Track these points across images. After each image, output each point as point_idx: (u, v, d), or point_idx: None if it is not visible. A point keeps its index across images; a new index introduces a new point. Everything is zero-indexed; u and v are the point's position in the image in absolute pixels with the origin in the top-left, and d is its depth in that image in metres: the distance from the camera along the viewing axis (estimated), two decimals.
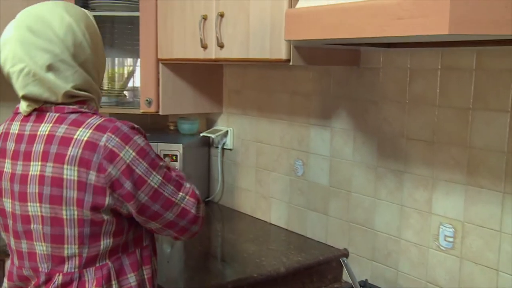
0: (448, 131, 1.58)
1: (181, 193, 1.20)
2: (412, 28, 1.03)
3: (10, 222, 1.19)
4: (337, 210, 1.96)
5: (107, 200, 1.11)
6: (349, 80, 1.87)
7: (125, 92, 2.53)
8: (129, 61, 2.55)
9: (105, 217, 1.13)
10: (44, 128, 1.14)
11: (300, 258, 1.86)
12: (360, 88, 1.84)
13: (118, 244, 1.18)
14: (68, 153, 1.10)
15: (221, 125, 2.50)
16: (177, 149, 2.22)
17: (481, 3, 0.96)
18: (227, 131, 2.44)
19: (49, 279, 1.17)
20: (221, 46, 1.84)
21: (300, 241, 2.05)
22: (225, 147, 2.47)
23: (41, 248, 1.16)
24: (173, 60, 2.15)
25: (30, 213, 1.14)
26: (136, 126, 1.16)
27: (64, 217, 1.12)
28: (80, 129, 1.11)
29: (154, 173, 1.14)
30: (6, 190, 1.18)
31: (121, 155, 1.10)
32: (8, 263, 1.22)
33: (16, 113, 1.21)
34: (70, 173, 1.10)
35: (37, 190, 1.12)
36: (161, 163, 1.17)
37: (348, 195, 1.91)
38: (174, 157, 2.22)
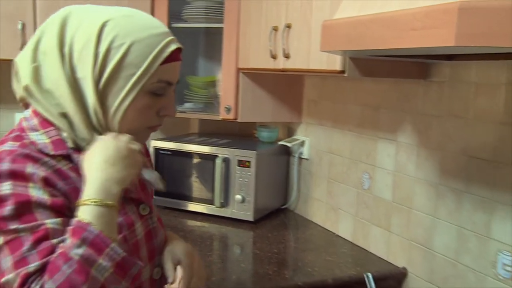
0: (510, 151, 1.47)
1: (14, 272, 0.86)
2: (424, 40, 0.99)
3: None
4: (399, 227, 1.90)
5: None
6: (416, 94, 1.81)
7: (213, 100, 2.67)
8: (217, 69, 2.68)
9: None
10: None
11: (354, 272, 1.82)
12: (426, 103, 1.77)
13: None
14: None
15: (300, 134, 2.53)
16: (250, 155, 2.29)
17: (491, 14, 0.91)
18: (303, 141, 2.46)
19: None
20: (287, 56, 1.89)
21: (361, 255, 2.01)
22: (302, 156, 2.49)
23: None
24: (249, 70, 2.24)
25: None
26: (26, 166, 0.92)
27: None
28: None
29: None
30: None
31: None
32: None
33: None
34: None
35: None
36: (14, 227, 0.88)
37: (409, 212, 1.84)
38: (247, 163, 2.29)
